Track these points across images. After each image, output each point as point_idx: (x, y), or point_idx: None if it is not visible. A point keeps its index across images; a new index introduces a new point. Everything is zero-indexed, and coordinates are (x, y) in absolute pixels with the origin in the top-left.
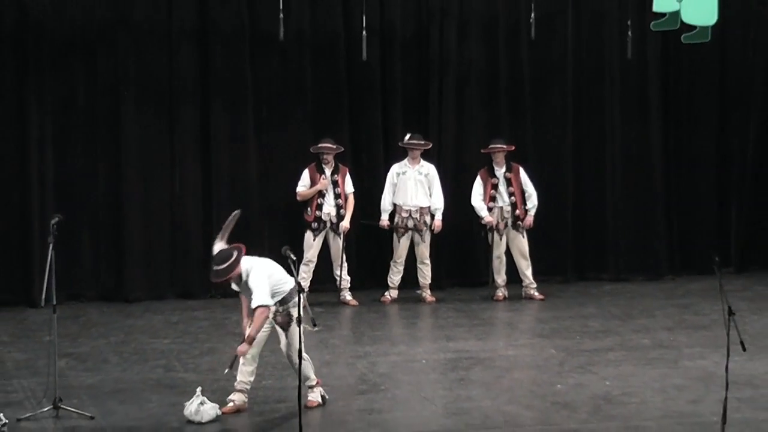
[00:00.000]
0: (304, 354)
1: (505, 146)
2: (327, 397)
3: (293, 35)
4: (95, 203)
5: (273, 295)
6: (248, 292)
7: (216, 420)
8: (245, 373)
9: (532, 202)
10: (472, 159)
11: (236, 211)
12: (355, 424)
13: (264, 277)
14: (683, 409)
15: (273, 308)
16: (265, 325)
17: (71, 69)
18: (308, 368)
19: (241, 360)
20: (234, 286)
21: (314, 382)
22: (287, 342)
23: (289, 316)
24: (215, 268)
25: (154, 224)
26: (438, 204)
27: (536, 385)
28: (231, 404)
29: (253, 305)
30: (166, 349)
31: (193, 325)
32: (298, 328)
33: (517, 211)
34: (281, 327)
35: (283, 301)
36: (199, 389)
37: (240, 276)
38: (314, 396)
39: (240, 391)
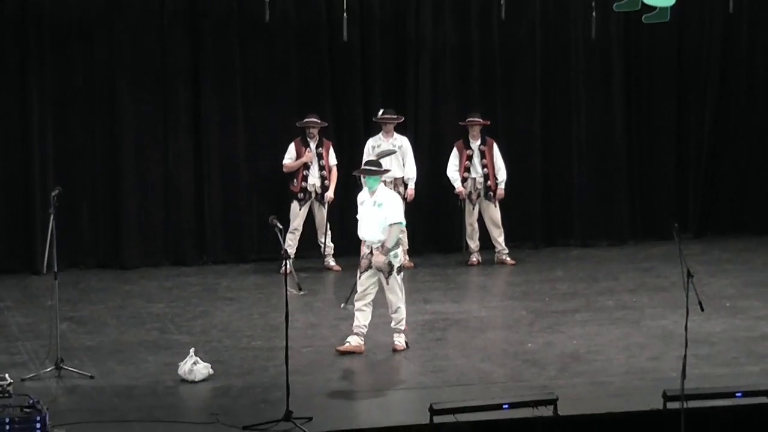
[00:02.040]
0: (403, 303)
1: (481, 120)
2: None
3: (278, 18)
4: (93, 176)
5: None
6: (375, 212)
7: (208, 379)
8: (361, 317)
9: (502, 176)
10: (446, 133)
11: (391, 149)
12: (338, 383)
13: (401, 205)
14: (645, 366)
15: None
16: (372, 274)
17: (70, 52)
18: (404, 313)
19: (355, 305)
20: (363, 198)
21: (404, 327)
22: (389, 288)
23: (390, 265)
24: (371, 167)
25: (149, 196)
26: (411, 174)
27: (508, 344)
28: (347, 344)
29: (391, 222)
30: (161, 312)
31: (186, 290)
32: (399, 276)
33: (489, 182)
34: (384, 275)
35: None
36: (192, 350)
37: (375, 192)
38: (401, 341)
39: (357, 334)
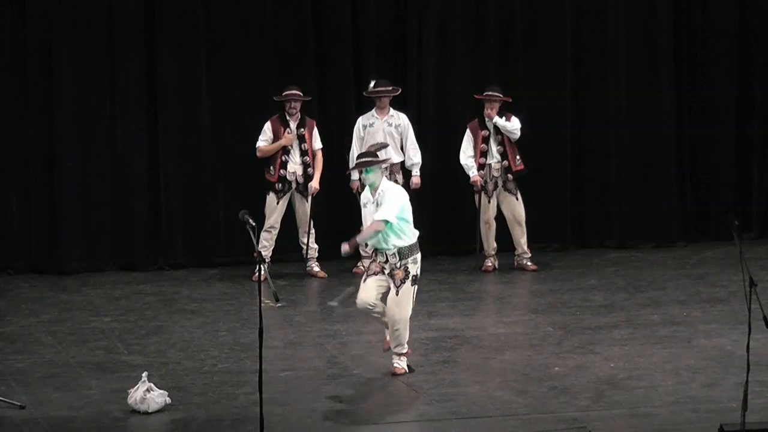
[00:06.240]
0: (405, 323)
1: (501, 96)
2: (413, 369)
3: None
4: (25, 161)
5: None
6: (374, 210)
7: (164, 409)
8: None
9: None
10: (455, 109)
11: (383, 142)
12: (323, 414)
13: (399, 201)
14: (698, 394)
15: (390, 262)
16: (382, 280)
17: None
18: (406, 335)
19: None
20: (366, 198)
21: (405, 350)
22: (397, 300)
23: (407, 272)
24: (365, 159)
25: (93, 185)
26: (415, 158)
27: (530, 367)
28: (397, 367)
29: (376, 217)
30: (107, 328)
31: (138, 301)
32: (413, 288)
33: (506, 162)
34: (395, 282)
35: (402, 255)
36: (145, 374)
37: (377, 189)
38: (401, 363)
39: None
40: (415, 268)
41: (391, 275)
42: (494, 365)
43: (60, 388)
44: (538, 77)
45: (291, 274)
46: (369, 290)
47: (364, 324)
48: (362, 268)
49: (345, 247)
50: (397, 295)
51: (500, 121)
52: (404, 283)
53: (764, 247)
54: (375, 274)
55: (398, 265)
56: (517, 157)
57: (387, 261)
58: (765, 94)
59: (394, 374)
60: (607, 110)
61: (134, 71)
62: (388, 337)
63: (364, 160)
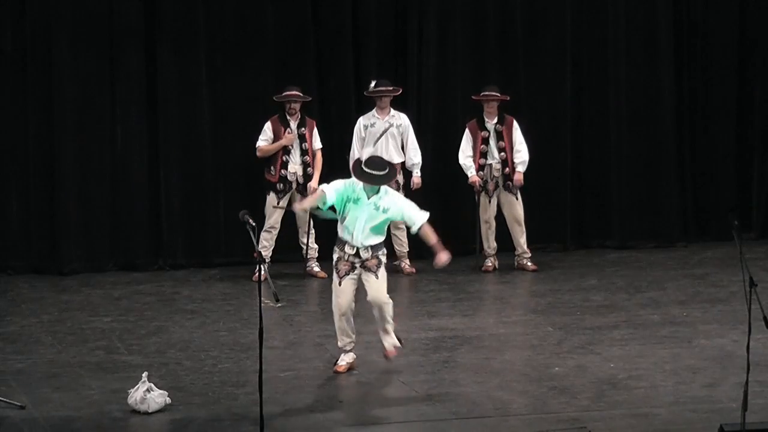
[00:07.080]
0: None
1: (499, 95)
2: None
3: None
4: (25, 161)
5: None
6: (374, 214)
7: (164, 409)
8: (347, 332)
9: (521, 158)
10: (456, 109)
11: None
12: (323, 414)
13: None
14: (698, 394)
15: (362, 257)
16: (353, 279)
17: None
18: (391, 308)
19: (336, 322)
20: (355, 192)
21: (392, 325)
22: (377, 287)
23: (379, 260)
24: (379, 173)
25: (93, 185)
26: (415, 158)
27: (531, 367)
28: (344, 364)
29: (420, 223)
30: (107, 328)
31: (137, 301)
32: (385, 273)
33: (506, 169)
34: (370, 270)
35: (374, 249)
36: (145, 374)
37: (377, 192)
38: (392, 340)
39: (348, 351)
40: (384, 258)
41: (364, 266)
42: (494, 365)
43: (60, 388)
44: (538, 77)
45: (291, 274)
46: (348, 295)
47: (363, 324)
48: None
49: (445, 256)
50: (377, 278)
51: (517, 184)
52: (380, 267)
53: (764, 247)
54: (347, 273)
55: (370, 256)
56: (515, 158)
57: (357, 255)
58: (765, 94)
59: (387, 357)
60: (607, 110)
61: (134, 71)
62: (345, 363)
63: (374, 174)
